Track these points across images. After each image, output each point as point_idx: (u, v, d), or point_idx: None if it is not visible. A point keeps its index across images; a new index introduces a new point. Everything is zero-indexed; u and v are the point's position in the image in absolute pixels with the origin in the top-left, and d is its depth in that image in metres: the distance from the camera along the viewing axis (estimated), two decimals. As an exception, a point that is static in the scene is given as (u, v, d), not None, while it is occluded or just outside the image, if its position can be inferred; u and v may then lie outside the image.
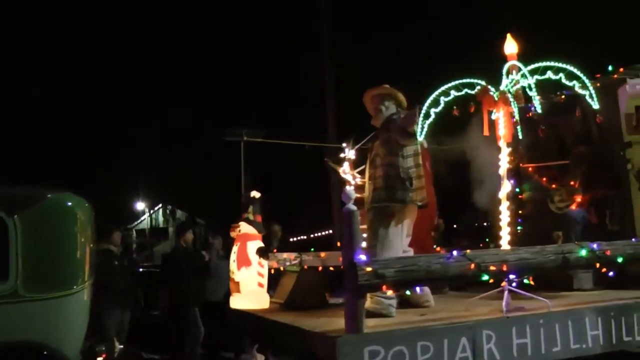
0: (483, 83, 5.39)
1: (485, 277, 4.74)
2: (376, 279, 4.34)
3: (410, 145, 5.53)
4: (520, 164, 7.65)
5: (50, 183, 7.00)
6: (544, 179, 7.47)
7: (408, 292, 5.11)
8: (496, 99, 5.36)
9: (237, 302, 6.74)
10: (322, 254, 7.73)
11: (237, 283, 6.73)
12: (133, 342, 9.48)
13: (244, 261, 6.73)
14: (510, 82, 5.34)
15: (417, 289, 5.68)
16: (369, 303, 5.27)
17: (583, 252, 5.14)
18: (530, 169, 7.61)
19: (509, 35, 8.90)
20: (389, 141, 5.56)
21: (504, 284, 5.24)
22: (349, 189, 4.51)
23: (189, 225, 9.37)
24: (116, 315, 8.75)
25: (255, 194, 7.04)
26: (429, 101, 5.38)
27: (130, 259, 18.17)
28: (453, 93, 5.40)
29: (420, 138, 5.64)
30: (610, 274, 5.60)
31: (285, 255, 7.01)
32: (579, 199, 7.04)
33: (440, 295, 6.46)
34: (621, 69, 6.93)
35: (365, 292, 4.44)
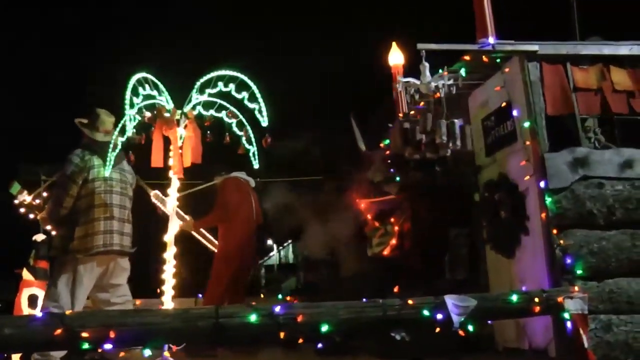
0: (167, 103, 4.29)
1: (85, 346, 3.63)
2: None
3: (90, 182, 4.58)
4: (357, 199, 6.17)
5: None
6: (369, 216, 5.92)
7: None
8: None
9: (15, 355, 6.08)
10: (138, 302, 6.84)
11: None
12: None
13: (18, 310, 6.08)
14: (141, 99, 4.15)
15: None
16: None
17: (253, 317, 3.80)
18: (362, 205, 6.08)
19: (394, 44, 7.54)
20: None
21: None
22: None
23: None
24: None
25: (38, 237, 6.36)
26: (117, 131, 4.42)
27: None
28: (138, 118, 4.39)
29: (107, 173, 4.68)
30: (319, 345, 4.12)
31: None
32: (393, 240, 5.45)
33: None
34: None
35: None
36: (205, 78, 4.15)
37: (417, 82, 4.84)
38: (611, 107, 4.87)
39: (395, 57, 7.36)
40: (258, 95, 4.01)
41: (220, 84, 4.10)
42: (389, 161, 6.68)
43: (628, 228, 4.72)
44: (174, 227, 4.24)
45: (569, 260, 4.53)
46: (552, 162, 4.68)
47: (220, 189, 6.07)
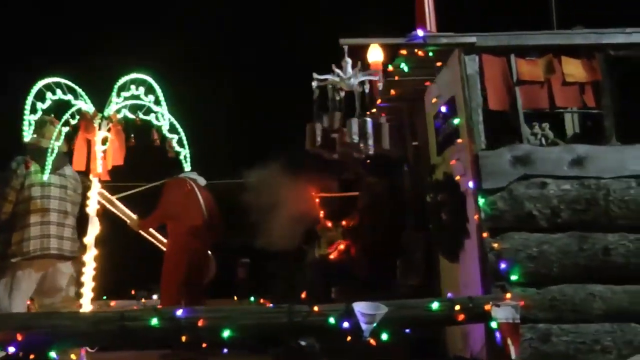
0: (86, 107, 4.35)
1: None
2: None
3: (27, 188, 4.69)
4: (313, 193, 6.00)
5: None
6: (322, 213, 5.73)
7: None
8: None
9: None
10: (113, 303, 6.96)
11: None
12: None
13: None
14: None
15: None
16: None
17: (154, 321, 3.79)
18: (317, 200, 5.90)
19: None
20: None
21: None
22: None
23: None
24: None
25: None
26: (54, 136, 4.52)
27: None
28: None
29: (45, 177, 4.77)
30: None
31: None
32: (341, 246, 5.25)
33: None
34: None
35: None
36: (121, 81, 4.19)
37: (337, 79, 4.67)
38: (558, 101, 4.54)
39: (375, 54, 7.16)
40: (162, 98, 4.01)
41: (133, 87, 4.12)
42: (368, 162, 6.53)
43: (575, 230, 4.38)
44: (94, 229, 4.29)
45: (503, 265, 4.26)
46: (488, 161, 4.39)
47: (163, 189, 6.13)
